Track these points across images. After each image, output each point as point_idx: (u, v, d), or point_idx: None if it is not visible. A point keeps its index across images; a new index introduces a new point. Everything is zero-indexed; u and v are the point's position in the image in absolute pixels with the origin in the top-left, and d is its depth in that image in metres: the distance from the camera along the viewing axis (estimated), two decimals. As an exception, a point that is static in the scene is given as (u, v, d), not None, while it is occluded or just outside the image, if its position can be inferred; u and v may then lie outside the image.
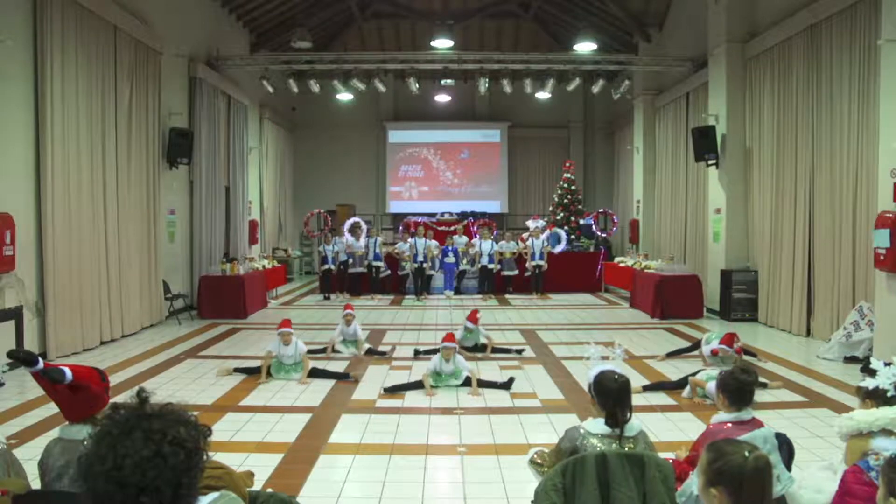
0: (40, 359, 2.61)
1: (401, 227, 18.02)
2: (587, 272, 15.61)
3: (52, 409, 5.44)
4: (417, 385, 6.67)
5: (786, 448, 3.24)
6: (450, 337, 6.93)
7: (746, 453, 1.94)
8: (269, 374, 7.11)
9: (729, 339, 6.86)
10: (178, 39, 11.77)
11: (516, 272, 14.76)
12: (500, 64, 14.94)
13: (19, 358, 2.68)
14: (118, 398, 2.03)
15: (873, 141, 7.95)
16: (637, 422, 3.02)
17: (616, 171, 20.90)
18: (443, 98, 20.17)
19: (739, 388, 3.20)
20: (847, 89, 8.72)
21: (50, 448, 2.62)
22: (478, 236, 15.17)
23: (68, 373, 2.54)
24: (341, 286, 14.39)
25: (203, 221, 12.56)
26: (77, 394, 2.58)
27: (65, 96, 8.34)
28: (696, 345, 8.00)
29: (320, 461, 4.77)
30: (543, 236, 15.06)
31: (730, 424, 3.20)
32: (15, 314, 7.51)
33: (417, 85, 15.36)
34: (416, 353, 8.38)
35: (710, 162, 11.91)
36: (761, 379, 6.84)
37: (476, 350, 8.29)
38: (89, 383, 2.60)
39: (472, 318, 8.45)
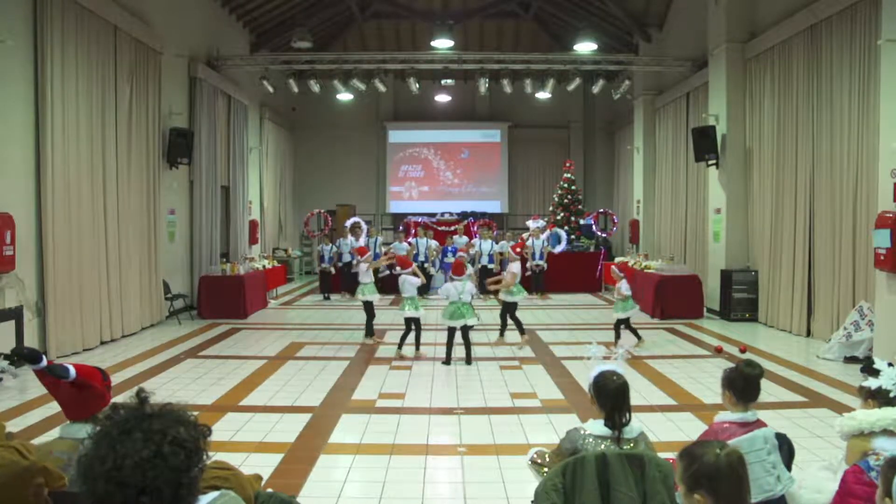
0: (44, 356, 2.60)
1: (401, 228, 18.01)
2: (587, 272, 15.61)
3: (52, 408, 5.45)
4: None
5: (786, 448, 3.23)
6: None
7: (718, 450, 1.95)
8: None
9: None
10: (178, 39, 11.76)
11: (516, 272, 14.73)
12: (500, 64, 14.94)
13: (23, 355, 2.67)
14: (118, 398, 2.03)
15: (873, 141, 7.95)
16: (638, 424, 3.02)
17: (616, 171, 20.89)
18: (443, 98, 20.16)
19: (746, 383, 3.17)
20: (847, 89, 8.72)
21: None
22: (478, 236, 15.16)
23: (72, 370, 2.53)
24: (341, 286, 14.40)
25: (203, 221, 12.55)
26: (80, 392, 2.57)
27: (65, 96, 8.33)
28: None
29: (320, 461, 4.77)
30: (543, 236, 15.05)
31: (730, 424, 3.19)
32: (15, 314, 7.50)
33: (417, 85, 15.36)
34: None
35: (710, 162, 11.91)
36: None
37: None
38: (92, 382, 2.59)
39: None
